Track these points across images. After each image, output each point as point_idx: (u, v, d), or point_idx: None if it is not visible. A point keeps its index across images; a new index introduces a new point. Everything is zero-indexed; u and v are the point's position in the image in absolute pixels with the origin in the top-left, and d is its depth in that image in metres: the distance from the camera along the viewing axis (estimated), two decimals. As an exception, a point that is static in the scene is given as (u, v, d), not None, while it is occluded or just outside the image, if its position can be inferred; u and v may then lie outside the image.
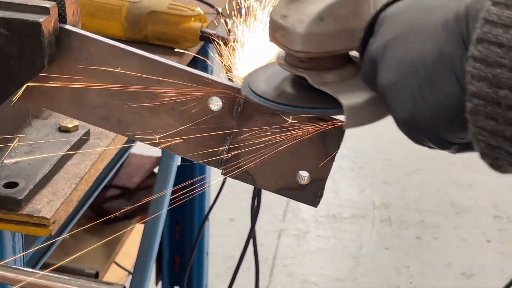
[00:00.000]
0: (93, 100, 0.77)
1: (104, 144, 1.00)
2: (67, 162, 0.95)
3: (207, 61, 1.81)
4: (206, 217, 1.94)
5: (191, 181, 2.00)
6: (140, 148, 1.72)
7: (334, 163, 0.78)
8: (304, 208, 3.09)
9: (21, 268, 0.77)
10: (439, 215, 3.18)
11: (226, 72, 0.81)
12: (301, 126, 0.75)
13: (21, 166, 0.90)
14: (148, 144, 0.77)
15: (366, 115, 0.74)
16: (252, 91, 0.74)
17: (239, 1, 0.86)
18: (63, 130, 0.98)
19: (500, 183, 3.41)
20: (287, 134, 0.75)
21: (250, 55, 0.83)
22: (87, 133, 1.00)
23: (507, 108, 0.59)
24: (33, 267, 1.11)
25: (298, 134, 0.75)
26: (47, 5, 0.73)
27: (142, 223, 2.07)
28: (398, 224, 3.10)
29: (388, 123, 0.80)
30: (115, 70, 0.75)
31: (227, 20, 0.93)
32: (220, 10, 1.49)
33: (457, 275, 2.80)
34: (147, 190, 2.11)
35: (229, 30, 0.87)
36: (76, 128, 0.99)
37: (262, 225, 2.97)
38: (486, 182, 3.42)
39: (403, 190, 3.36)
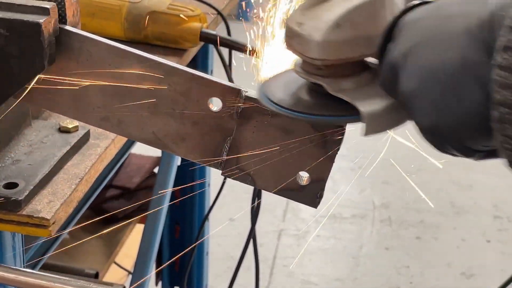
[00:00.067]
0: (93, 100, 0.77)
1: (104, 145, 1.00)
2: (67, 163, 0.95)
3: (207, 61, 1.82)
4: (206, 217, 1.94)
5: (191, 182, 2.01)
6: (140, 148, 1.72)
7: (334, 163, 0.78)
8: (304, 208, 3.09)
9: (21, 269, 0.77)
10: (439, 215, 3.18)
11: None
12: (303, 130, 0.75)
13: (21, 166, 0.90)
14: (148, 144, 0.77)
15: (384, 122, 0.73)
16: (269, 99, 0.74)
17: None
18: (63, 130, 0.98)
19: (500, 183, 3.41)
20: (288, 136, 0.75)
21: (271, 63, 0.82)
22: (87, 134, 1.00)
23: None
24: (33, 267, 1.11)
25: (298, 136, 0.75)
26: (47, 6, 0.73)
27: (142, 223, 2.07)
28: (398, 224, 3.10)
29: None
30: (115, 71, 0.75)
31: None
32: (220, 10, 1.49)
33: (457, 275, 2.80)
34: (147, 190, 2.11)
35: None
36: (76, 128, 0.99)
37: (262, 225, 2.97)
38: (486, 182, 3.42)
39: (403, 190, 3.35)
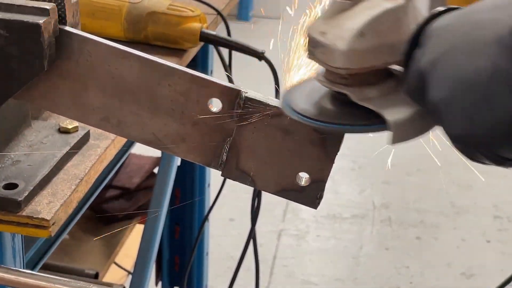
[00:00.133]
0: (93, 101, 0.77)
1: (104, 145, 0.99)
2: (67, 163, 0.95)
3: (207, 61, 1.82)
4: (206, 217, 1.94)
5: (191, 182, 2.01)
6: (140, 149, 1.72)
7: (334, 163, 0.78)
8: (304, 208, 3.09)
9: (21, 270, 0.77)
10: (439, 215, 3.18)
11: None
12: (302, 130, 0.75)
13: (21, 167, 0.90)
14: (148, 145, 0.77)
15: (411, 130, 0.73)
16: (293, 109, 0.74)
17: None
18: (63, 131, 0.98)
19: (500, 183, 3.41)
20: (287, 137, 0.75)
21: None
22: (87, 134, 1.00)
23: None
24: (33, 267, 1.11)
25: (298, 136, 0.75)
26: (47, 7, 0.73)
27: (142, 223, 2.07)
28: (398, 224, 3.10)
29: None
30: (115, 71, 0.75)
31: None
32: (220, 10, 1.49)
33: (457, 275, 2.80)
34: (147, 191, 2.11)
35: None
36: (76, 129, 0.99)
37: (262, 225, 2.97)
38: (486, 182, 3.42)
39: (403, 190, 3.36)
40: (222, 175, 0.78)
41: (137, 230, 2.08)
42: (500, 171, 3.57)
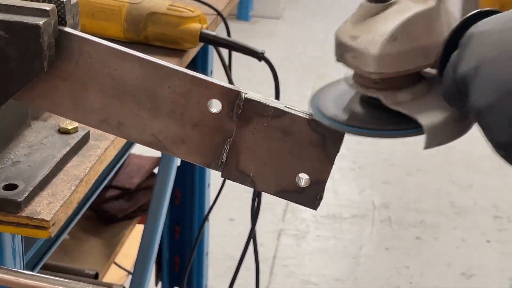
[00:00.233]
0: (92, 102, 0.76)
1: (103, 146, 0.99)
2: (66, 164, 0.95)
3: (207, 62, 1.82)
4: (206, 217, 1.94)
5: (191, 182, 2.01)
6: (140, 149, 1.73)
7: (334, 164, 0.77)
8: (304, 208, 3.09)
9: (21, 271, 0.77)
10: (439, 215, 3.18)
11: None
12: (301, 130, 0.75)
13: (21, 168, 0.90)
14: (148, 146, 0.77)
15: (445, 134, 0.72)
16: (323, 114, 0.73)
17: None
18: (63, 131, 0.98)
19: (500, 183, 3.41)
20: (287, 138, 0.75)
21: None
22: (87, 135, 1.00)
23: None
24: (33, 268, 1.11)
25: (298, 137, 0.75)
26: (47, 8, 0.73)
27: (142, 223, 2.07)
28: (398, 224, 3.10)
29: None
30: (115, 72, 0.75)
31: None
32: (220, 11, 1.49)
33: (457, 275, 2.80)
34: (147, 191, 2.11)
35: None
36: (75, 129, 0.99)
37: (262, 225, 2.97)
38: (486, 182, 3.42)
39: (403, 190, 3.36)
40: (222, 176, 0.78)
41: (137, 230, 2.08)
42: (500, 171, 3.58)
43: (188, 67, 1.30)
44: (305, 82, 4.25)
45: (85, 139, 0.99)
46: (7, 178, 0.87)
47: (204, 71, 1.80)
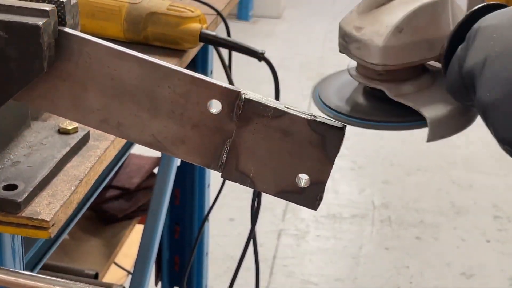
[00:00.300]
0: (92, 102, 0.76)
1: (103, 146, 0.99)
2: (66, 164, 0.94)
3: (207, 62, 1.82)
4: (206, 217, 1.94)
5: (191, 182, 2.01)
6: (140, 149, 1.73)
7: (334, 164, 0.77)
8: (304, 208, 3.09)
9: (20, 271, 0.76)
10: (439, 215, 3.18)
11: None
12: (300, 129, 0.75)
13: (21, 168, 0.89)
14: (147, 147, 0.77)
15: (448, 127, 0.72)
16: (326, 105, 0.73)
17: None
18: (63, 132, 0.98)
19: (500, 183, 3.41)
20: (287, 138, 0.75)
21: None
22: (87, 135, 1.00)
23: None
24: (33, 268, 1.11)
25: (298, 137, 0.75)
26: (47, 8, 0.73)
27: (141, 223, 2.07)
28: (398, 224, 3.10)
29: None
30: (115, 73, 0.75)
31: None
32: (220, 11, 1.49)
33: (457, 275, 2.80)
34: (147, 191, 2.11)
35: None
36: (75, 130, 0.98)
37: (262, 225, 2.97)
38: (486, 182, 3.42)
39: (403, 190, 3.36)
40: (221, 176, 0.78)
41: (137, 230, 2.08)
42: (500, 171, 3.57)
43: (188, 67, 1.30)
44: (305, 82, 4.25)
45: (85, 139, 0.99)
46: (7, 178, 0.87)
47: (204, 71, 1.80)
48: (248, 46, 1.32)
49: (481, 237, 3.04)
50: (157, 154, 2.02)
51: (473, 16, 0.69)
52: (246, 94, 0.75)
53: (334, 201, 3.25)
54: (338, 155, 0.77)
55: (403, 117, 0.72)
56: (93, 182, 0.96)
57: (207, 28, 1.31)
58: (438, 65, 0.73)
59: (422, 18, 0.71)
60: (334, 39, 0.77)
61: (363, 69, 0.73)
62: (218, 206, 1.89)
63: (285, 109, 0.75)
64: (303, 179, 0.77)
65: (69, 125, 0.98)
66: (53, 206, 0.86)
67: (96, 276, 1.77)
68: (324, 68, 4.39)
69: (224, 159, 0.76)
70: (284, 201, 0.78)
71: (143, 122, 0.76)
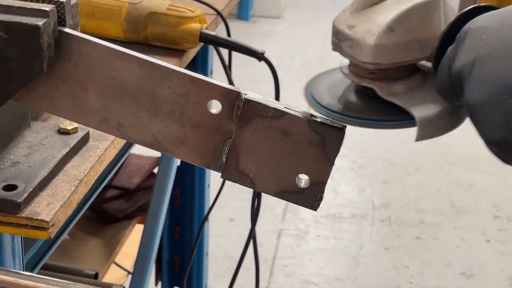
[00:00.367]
0: (92, 103, 0.76)
1: (103, 146, 0.99)
2: (66, 165, 0.94)
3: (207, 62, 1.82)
4: (206, 217, 1.94)
5: (191, 182, 2.01)
6: (140, 149, 1.73)
7: (334, 165, 0.77)
8: (303, 208, 3.09)
9: (20, 272, 0.76)
10: (439, 215, 3.18)
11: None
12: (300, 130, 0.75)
13: (20, 168, 0.89)
14: (147, 147, 0.77)
15: (438, 127, 0.72)
16: (318, 102, 0.73)
17: None
18: (63, 132, 0.98)
19: (500, 183, 3.41)
20: (287, 138, 0.75)
21: None
22: (87, 135, 0.99)
23: None
24: (33, 268, 1.11)
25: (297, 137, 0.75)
26: (46, 8, 0.73)
27: (141, 223, 2.07)
28: (398, 224, 3.10)
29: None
30: (114, 73, 0.75)
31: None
32: (220, 10, 1.49)
33: (457, 275, 2.80)
34: (147, 191, 2.11)
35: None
36: (75, 130, 0.98)
37: (262, 225, 2.97)
38: (486, 182, 3.42)
39: (403, 190, 3.36)
40: (221, 176, 0.78)
41: (137, 230, 2.08)
42: (500, 171, 3.57)
43: (188, 67, 1.30)
44: (305, 82, 4.25)
45: (84, 139, 0.99)
46: (6, 178, 0.87)
47: (204, 71, 1.80)
48: (248, 46, 1.32)
49: (481, 237, 3.04)
50: (157, 154, 2.02)
51: (464, 17, 0.69)
52: (246, 94, 0.75)
53: (334, 201, 3.24)
54: (338, 155, 0.77)
55: (394, 116, 0.72)
56: (93, 182, 0.96)
57: (207, 28, 1.31)
58: (429, 65, 0.73)
59: (414, 18, 0.71)
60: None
61: (355, 68, 0.74)
62: (218, 206, 1.89)
63: (285, 110, 0.75)
64: (303, 179, 0.77)
65: (69, 125, 0.98)
66: (53, 206, 0.86)
67: (96, 276, 1.77)
68: (324, 68, 4.38)
69: (224, 159, 0.76)
70: (284, 201, 0.77)
71: (143, 122, 0.76)
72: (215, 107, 0.75)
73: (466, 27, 0.68)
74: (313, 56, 4.82)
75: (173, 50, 1.31)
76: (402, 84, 0.74)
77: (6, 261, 0.91)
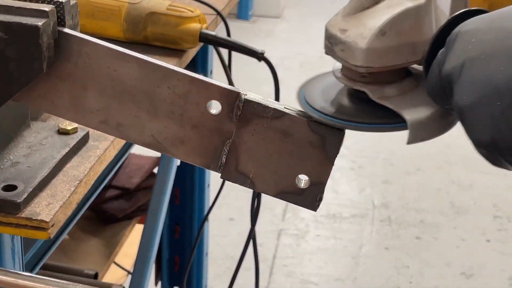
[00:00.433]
0: (92, 103, 0.76)
1: (103, 146, 0.99)
2: (66, 165, 0.94)
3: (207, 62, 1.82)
4: (206, 217, 1.94)
5: (190, 182, 2.01)
6: (140, 149, 1.73)
7: (333, 165, 0.77)
8: (303, 208, 3.08)
9: (20, 272, 0.76)
10: (439, 215, 3.18)
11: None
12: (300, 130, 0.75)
13: (20, 168, 0.89)
14: (147, 147, 0.77)
15: (429, 130, 0.73)
16: (311, 105, 0.73)
17: None
18: (62, 132, 0.98)
19: (500, 183, 3.41)
20: (287, 139, 0.75)
21: None
22: (86, 136, 0.99)
23: None
24: (33, 268, 1.11)
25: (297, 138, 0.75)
26: (46, 9, 0.73)
27: (141, 223, 2.07)
28: (398, 224, 3.10)
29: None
30: (114, 73, 0.75)
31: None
32: (219, 10, 1.49)
33: (457, 275, 2.80)
34: (146, 191, 2.11)
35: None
36: (75, 130, 0.98)
37: (262, 225, 2.97)
38: (486, 182, 3.42)
39: (403, 190, 3.35)
40: (221, 177, 0.78)
41: (137, 230, 2.08)
42: (500, 171, 3.57)
43: (188, 67, 1.30)
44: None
45: (84, 139, 0.99)
46: (6, 179, 0.87)
47: (204, 71, 1.80)
48: (248, 46, 1.32)
49: (481, 237, 3.04)
50: (157, 154, 2.01)
51: (455, 21, 0.70)
52: (246, 94, 0.75)
53: (334, 201, 3.24)
54: (338, 155, 0.77)
55: (386, 119, 0.73)
56: (92, 182, 0.96)
57: (207, 28, 1.31)
58: (421, 68, 0.74)
59: (405, 21, 0.72)
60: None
61: (347, 71, 0.74)
62: (218, 206, 1.89)
63: (285, 110, 0.75)
64: (303, 180, 0.77)
65: (69, 125, 0.98)
66: (52, 206, 0.86)
67: (96, 276, 1.77)
68: (324, 68, 4.38)
69: (223, 159, 0.76)
70: (284, 201, 0.77)
71: (142, 122, 0.76)
72: (215, 107, 0.75)
73: (456, 30, 0.69)
74: (313, 56, 4.82)
75: (172, 50, 1.31)
76: (394, 87, 0.74)
77: (6, 261, 0.91)
